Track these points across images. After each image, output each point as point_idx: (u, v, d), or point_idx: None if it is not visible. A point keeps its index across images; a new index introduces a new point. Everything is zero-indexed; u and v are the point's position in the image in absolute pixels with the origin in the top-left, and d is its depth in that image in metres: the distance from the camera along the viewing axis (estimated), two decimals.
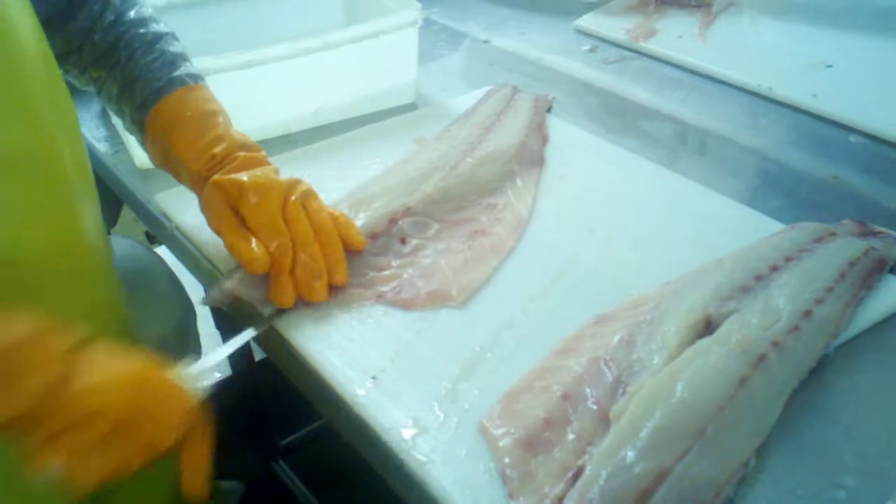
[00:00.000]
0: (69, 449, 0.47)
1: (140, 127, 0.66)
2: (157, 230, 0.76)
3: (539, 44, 1.12)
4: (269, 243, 0.60)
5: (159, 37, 0.67)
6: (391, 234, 0.68)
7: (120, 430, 0.48)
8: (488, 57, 1.09)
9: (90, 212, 0.63)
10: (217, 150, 0.63)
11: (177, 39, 0.69)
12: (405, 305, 0.62)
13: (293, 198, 0.61)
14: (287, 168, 0.77)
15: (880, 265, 0.65)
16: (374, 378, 0.56)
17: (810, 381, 0.55)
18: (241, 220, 0.61)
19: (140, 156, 0.81)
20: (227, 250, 0.61)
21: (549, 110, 0.91)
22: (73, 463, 0.47)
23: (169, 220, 0.74)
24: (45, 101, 0.56)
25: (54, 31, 0.65)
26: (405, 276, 0.65)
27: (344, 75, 0.69)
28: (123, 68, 0.66)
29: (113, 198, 0.87)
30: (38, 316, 0.48)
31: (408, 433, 0.52)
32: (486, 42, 1.13)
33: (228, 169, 0.62)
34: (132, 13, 0.68)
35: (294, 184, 0.63)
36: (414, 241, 0.68)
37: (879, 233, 0.70)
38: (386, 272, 0.65)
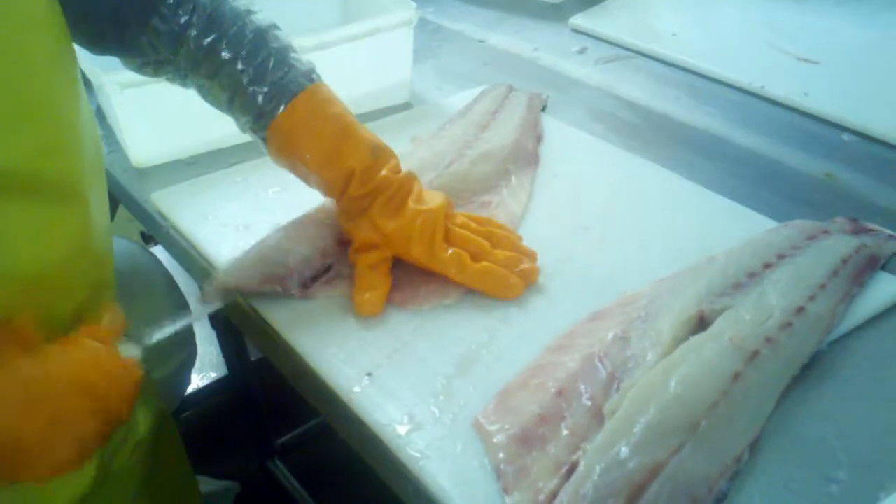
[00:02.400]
0: None
1: (262, 138, 0.63)
2: (153, 229, 0.77)
3: (534, 43, 1.12)
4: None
5: (261, 33, 0.61)
6: None
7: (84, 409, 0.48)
8: (483, 56, 1.09)
9: (101, 220, 0.60)
10: (351, 162, 0.62)
11: (279, 29, 0.63)
12: (401, 303, 0.62)
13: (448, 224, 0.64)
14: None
15: (872, 262, 0.65)
16: (369, 375, 0.56)
17: (803, 377, 0.55)
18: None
19: (136, 155, 0.81)
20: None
21: (543, 109, 0.91)
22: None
23: (164, 219, 0.74)
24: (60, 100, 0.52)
25: (136, 31, 0.60)
26: (400, 273, 0.65)
27: (339, 74, 0.69)
28: (230, 75, 0.61)
29: (108, 197, 0.86)
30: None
31: (403, 429, 0.52)
32: (481, 41, 1.14)
33: (370, 207, 0.62)
34: (227, 7, 0.61)
35: (442, 206, 0.64)
36: None
37: (871, 230, 0.70)
38: None
